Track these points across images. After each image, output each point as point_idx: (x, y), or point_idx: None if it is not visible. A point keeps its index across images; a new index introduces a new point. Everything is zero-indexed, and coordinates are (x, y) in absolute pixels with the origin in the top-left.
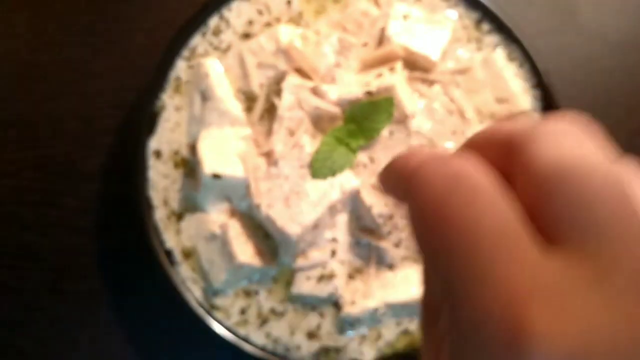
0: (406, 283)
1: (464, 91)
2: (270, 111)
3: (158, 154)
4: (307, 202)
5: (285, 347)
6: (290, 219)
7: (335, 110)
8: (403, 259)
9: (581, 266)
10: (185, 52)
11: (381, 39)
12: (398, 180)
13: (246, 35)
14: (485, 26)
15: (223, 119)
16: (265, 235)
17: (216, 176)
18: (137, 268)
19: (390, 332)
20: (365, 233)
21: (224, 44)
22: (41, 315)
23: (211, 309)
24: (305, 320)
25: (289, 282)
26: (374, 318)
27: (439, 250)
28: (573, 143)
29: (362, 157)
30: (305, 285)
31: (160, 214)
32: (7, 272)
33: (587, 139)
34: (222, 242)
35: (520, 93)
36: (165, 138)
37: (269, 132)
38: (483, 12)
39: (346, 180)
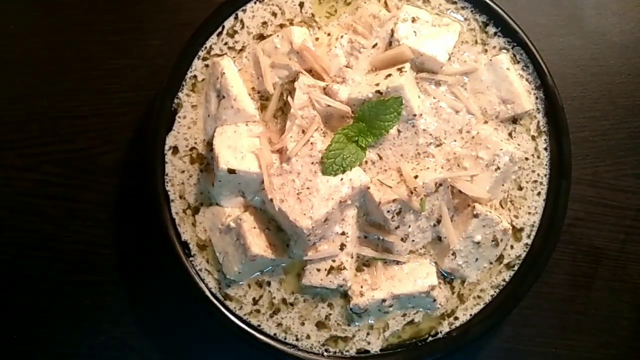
0: (412, 276)
1: (470, 92)
2: (283, 110)
3: (175, 149)
4: (318, 197)
5: (295, 336)
6: (301, 213)
7: (346, 109)
8: (410, 253)
9: None
10: (202, 52)
11: (390, 41)
12: None
13: (260, 36)
14: (491, 29)
15: (238, 116)
16: (277, 229)
17: (231, 171)
18: (154, 259)
19: (396, 323)
20: (373, 227)
21: (239, 44)
22: (60, 305)
23: (225, 299)
24: (315, 311)
25: (299, 274)
26: (381, 309)
27: None
28: None
29: (371, 154)
30: (315, 277)
31: (176, 208)
32: (28, 263)
33: None
34: (236, 234)
35: (524, 94)
36: (182, 134)
37: (282, 130)
38: (489, 15)
39: (356, 177)
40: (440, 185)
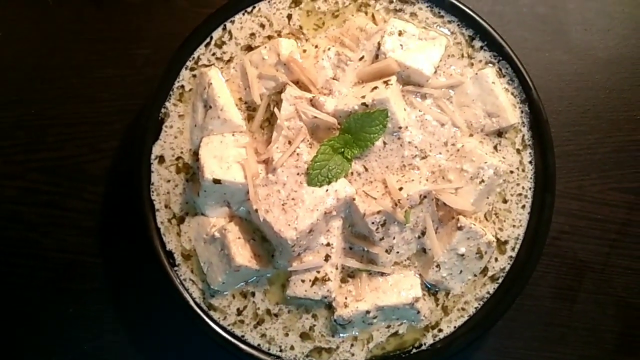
0: (397, 287)
1: (456, 105)
2: (270, 120)
3: (161, 159)
4: (303, 208)
5: (279, 347)
6: (286, 224)
7: (332, 120)
8: (394, 265)
9: None
10: (190, 63)
11: (377, 54)
12: None
13: (248, 48)
14: (478, 43)
15: (224, 127)
16: (262, 239)
17: (216, 181)
18: (139, 268)
19: (380, 334)
20: (358, 239)
21: (227, 55)
22: (45, 313)
23: (209, 309)
24: (299, 322)
25: (284, 285)
26: (365, 320)
27: None
28: None
29: (356, 166)
30: (300, 288)
31: (162, 217)
32: (13, 271)
33: None
34: (220, 244)
35: (509, 107)
36: (169, 144)
37: (268, 141)
38: (475, 29)
39: (341, 188)
40: (425, 197)
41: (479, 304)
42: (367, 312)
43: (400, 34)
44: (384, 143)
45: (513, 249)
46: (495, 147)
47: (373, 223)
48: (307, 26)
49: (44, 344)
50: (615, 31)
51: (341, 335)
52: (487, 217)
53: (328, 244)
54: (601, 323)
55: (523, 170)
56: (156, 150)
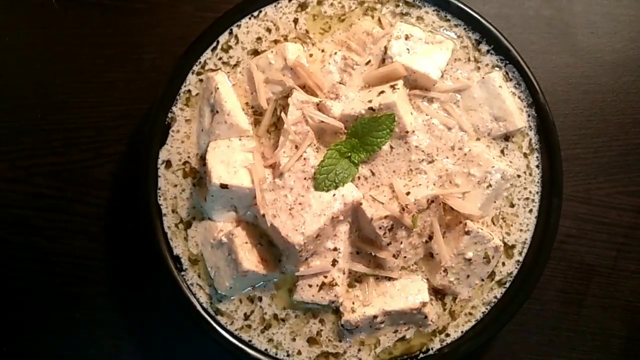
0: (404, 292)
1: (462, 109)
2: (277, 125)
3: (168, 163)
4: (310, 213)
5: (286, 352)
6: (293, 229)
7: (339, 125)
8: (401, 269)
9: None
10: (196, 67)
11: (384, 58)
12: None
13: (255, 52)
14: (484, 47)
15: (231, 131)
16: (269, 244)
17: (224, 186)
18: (145, 273)
19: (387, 339)
20: (365, 243)
21: (233, 59)
22: (51, 318)
23: (216, 314)
24: (307, 326)
25: (291, 289)
26: (372, 325)
27: None
28: None
29: (363, 170)
30: (307, 293)
31: (169, 222)
32: (18, 275)
33: None
34: (228, 249)
35: (516, 111)
36: (176, 148)
37: (275, 145)
38: (482, 33)
39: (348, 192)
40: (432, 202)
41: (487, 309)
42: (375, 317)
43: (406, 37)
44: (391, 147)
45: (520, 253)
46: (502, 151)
47: (380, 228)
48: (313, 30)
49: (50, 349)
50: (621, 34)
51: (348, 340)
52: (494, 221)
53: (335, 249)
54: (608, 327)
55: (530, 174)
56: (163, 154)
